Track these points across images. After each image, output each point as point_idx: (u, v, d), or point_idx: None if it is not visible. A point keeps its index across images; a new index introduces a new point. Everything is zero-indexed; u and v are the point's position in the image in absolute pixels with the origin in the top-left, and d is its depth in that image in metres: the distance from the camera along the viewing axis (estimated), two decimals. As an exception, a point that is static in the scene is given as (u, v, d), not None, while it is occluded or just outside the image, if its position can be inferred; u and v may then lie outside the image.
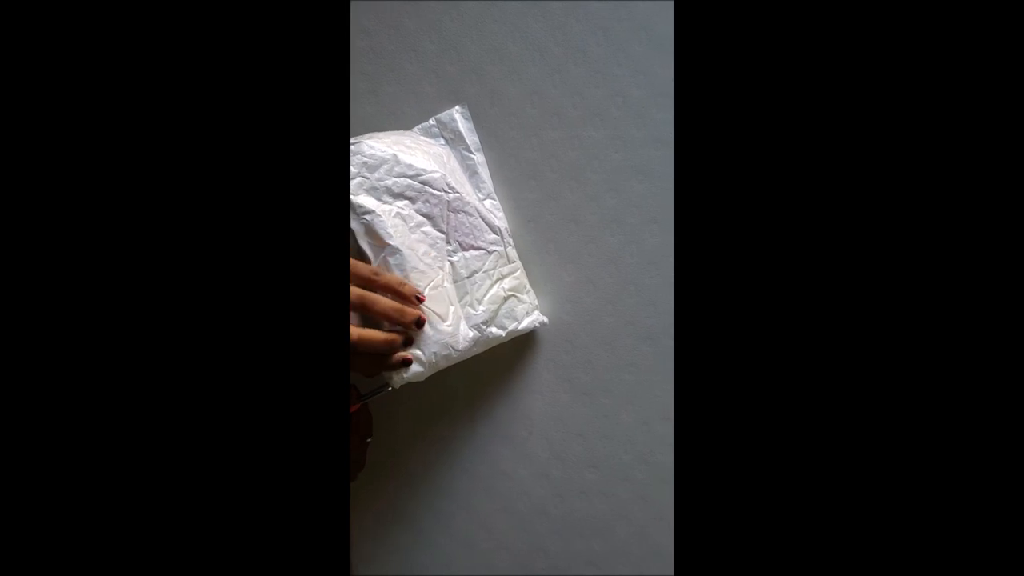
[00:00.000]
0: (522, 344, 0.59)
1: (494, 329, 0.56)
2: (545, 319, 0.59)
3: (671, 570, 0.59)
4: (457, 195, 0.55)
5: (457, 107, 0.59)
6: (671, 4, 0.55)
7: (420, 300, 0.53)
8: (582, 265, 0.59)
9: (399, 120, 0.60)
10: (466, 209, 0.56)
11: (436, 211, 0.55)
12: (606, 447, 0.59)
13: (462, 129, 0.59)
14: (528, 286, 0.59)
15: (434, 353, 0.54)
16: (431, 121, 0.59)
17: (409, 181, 0.54)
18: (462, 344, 0.55)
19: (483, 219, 0.56)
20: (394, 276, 0.52)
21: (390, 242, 0.53)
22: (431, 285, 0.54)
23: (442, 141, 0.59)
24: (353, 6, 0.60)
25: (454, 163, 0.58)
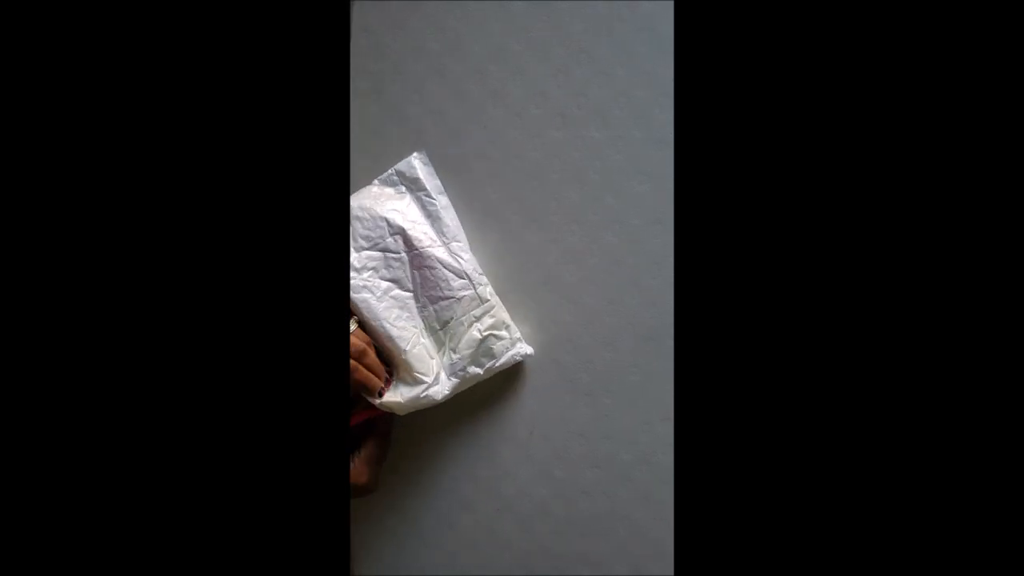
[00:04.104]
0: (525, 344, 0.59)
1: (473, 368, 0.57)
2: (530, 350, 0.58)
3: (671, 570, 0.59)
4: (416, 252, 0.57)
5: (415, 154, 0.60)
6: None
7: (382, 394, 0.56)
8: (584, 265, 0.59)
9: (402, 119, 0.60)
10: (427, 263, 0.57)
11: (400, 273, 0.57)
12: (608, 447, 0.59)
13: (421, 175, 0.59)
14: (507, 321, 0.58)
15: (413, 405, 0.56)
16: (390, 171, 0.60)
17: (369, 252, 0.57)
18: (441, 396, 0.56)
19: (447, 268, 0.57)
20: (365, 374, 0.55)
21: (362, 318, 0.56)
22: (410, 345, 0.56)
23: (402, 189, 0.60)
24: (357, 5, 0.60)
25: (415, 212, 0.58)
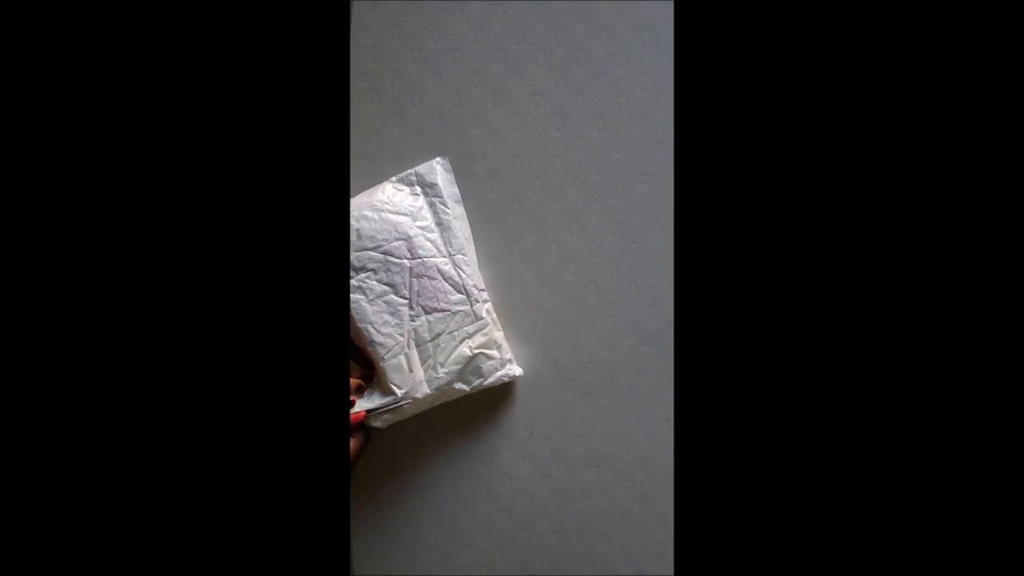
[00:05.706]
0: (524, 343, 0.59)
1: (459, 385, 0.57)
2: (519, 371, 0.59)
3: (671, 570, 0.59)
4: (419, 260, 0.56)
5: (438, 159, 0.59)
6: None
7: (363, 388, 0.58)
8: (584, 265, 0.59)
9: (401, 120, 0.60)
10: (429, 273, 0.57)
11: (398, 279, 0.56)
12: (607, 447, 0.59)
13: (440, 182, 0.58)
14: (500, 341, 0.58)
15: (386, 418, 0.57)
16: (410, 172, 0.59)
17: (371, 254, 0.56)
18: (419, 398, 0.57)
19: (448, 280, 0.57)
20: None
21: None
22: (390, 355, 0.56)
23: (418, 191, 0.59)
24: (356, 5, 0.60)
25: (426, 217, 0.58)
